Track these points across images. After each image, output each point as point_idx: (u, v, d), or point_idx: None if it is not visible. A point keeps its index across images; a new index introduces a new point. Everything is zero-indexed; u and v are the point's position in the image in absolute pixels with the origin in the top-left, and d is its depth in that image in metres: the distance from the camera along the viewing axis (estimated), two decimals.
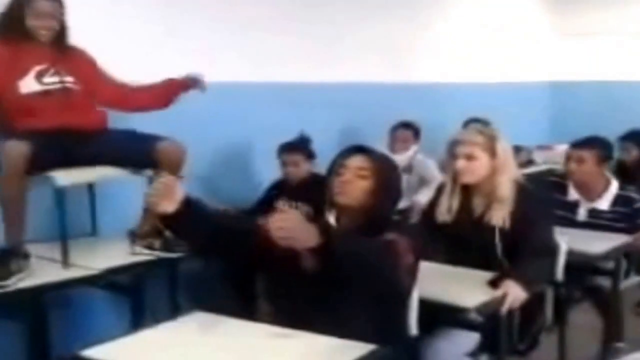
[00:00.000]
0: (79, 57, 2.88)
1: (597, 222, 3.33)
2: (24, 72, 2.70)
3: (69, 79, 2.79)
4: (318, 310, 1.95)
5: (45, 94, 2.72)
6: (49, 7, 2.72)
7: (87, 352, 1.78)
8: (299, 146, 3.65)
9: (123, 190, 3.00)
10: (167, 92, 2.98)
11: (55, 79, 2.75)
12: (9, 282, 2.43)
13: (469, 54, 5.75)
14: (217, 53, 3.72)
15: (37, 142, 2.51)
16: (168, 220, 2.01)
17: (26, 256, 2.57)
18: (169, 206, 1.97)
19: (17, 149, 2.47)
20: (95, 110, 2.87)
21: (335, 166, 2.15)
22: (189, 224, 2.03)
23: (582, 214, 3.40)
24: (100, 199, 3.13)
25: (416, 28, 5.22)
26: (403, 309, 2.12)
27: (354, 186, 2.08)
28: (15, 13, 2.70)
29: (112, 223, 3.12)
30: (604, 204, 3.36)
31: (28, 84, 2.70)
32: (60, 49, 2.79)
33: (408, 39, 5.12)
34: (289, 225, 1.79)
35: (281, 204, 3.64)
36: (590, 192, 3.38)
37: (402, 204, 4.09)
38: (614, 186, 3.38)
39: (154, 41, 3.42)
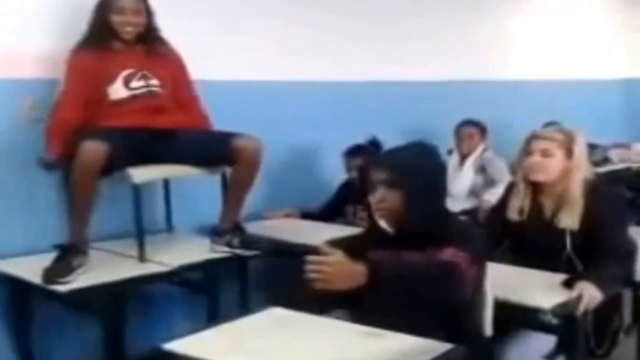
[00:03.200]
0: (169, 60, 2.92)
1: None
2: (113, 78, 2.76)
3: (155, 82, 2.83)
4: (388, 316, 1.90)
5: (131, 98, 2.77)
6: (131, 2, 2.77)
7: (168, 346, 1.80)
8: (363, 151, 3.57)
9: (197, 187, 3.05)
10: None
11: (142, 82, 2.80)
12: (69, 278, 2.50)
13: (542, 50, 5.65)
14: (285, 52, 3.76)
15: (116, 142, 2.56)
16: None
17: (85, 252, 2.64)
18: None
19: (94, 149, 2.52)
20: (178, 111, 2.90)
21: (367, 183, 2.05)
22: None
23: None
24: (176, 196, 3.19)
25: (486, 26, 5.15)
26: (474, 311, 2.07)
27: (388, 201, 1.99)
28: (100, 13, 2.76)
29: (186, 219, 3.19)
30: None
31: (117, 90, 2.76)
32: (148, 50, 2.84)
33: (477, 37, 5.06)
34: (328, 270, 1.74)
35: (349, 209, 3.64)
36: None
37: (471, 204, 4.05)
38: None
39: (223, 39, 3.47)
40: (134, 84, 2.79)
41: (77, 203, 2.62)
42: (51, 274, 2.50)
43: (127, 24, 2.78)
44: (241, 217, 3.00)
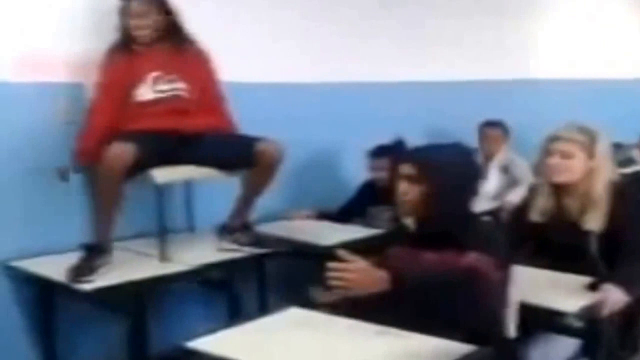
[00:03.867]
0: (198, 60, 2.92)
1: None
2: (140, 81, 2.79)
3: (182, 85, 2.85)
4: (407, 318, 1.88)
5: (155, 101, 2.80)
6: (139, 6, 2.79)
7: (190, 344, 1.81)
8: (387, 151, 3.54)
9: (218, 188, 3.06)
10: None
11: (168, 86, 2.82)
12: (93, 277, 2.53)
13: (565, 50, 5.59)
14: (309, 54, 3.77)
15: (142, 144, 2.59)
16: None
17: (108, 252, 2.67)
18: None
19: (120, 151, 2.56)
20: (203, 114, 2.90)
21: (393, 176, 2.05)
22: None
23: None
24: (197, 197, 3.22)
25: (510, 27, 5.11)
26: (498, 315, 2.03)
27: (411, 196, 1.98)
28: (120, 17, 2.81)
29: (208, 220, 3.19)
30: None
31: (143, 93, 2.79)
32: (175, 50, 2.86)
33: (502, 38, 5.02)
34: (349, 276, 1.75)
35: (372, 210, 3.63)
36: None
37: (493, 205, 4.02)
38: None
39: (247, 41, 3.48)
40: (161, 87, 2.81)
41: (103, 203, 2.65)
42: (76, 273, 2.53)
43: (136, 28, 2.80)
44: (250, 217, 3.03)
